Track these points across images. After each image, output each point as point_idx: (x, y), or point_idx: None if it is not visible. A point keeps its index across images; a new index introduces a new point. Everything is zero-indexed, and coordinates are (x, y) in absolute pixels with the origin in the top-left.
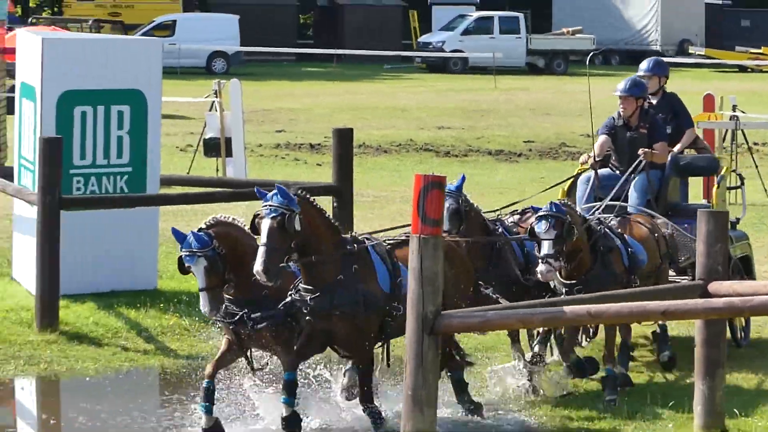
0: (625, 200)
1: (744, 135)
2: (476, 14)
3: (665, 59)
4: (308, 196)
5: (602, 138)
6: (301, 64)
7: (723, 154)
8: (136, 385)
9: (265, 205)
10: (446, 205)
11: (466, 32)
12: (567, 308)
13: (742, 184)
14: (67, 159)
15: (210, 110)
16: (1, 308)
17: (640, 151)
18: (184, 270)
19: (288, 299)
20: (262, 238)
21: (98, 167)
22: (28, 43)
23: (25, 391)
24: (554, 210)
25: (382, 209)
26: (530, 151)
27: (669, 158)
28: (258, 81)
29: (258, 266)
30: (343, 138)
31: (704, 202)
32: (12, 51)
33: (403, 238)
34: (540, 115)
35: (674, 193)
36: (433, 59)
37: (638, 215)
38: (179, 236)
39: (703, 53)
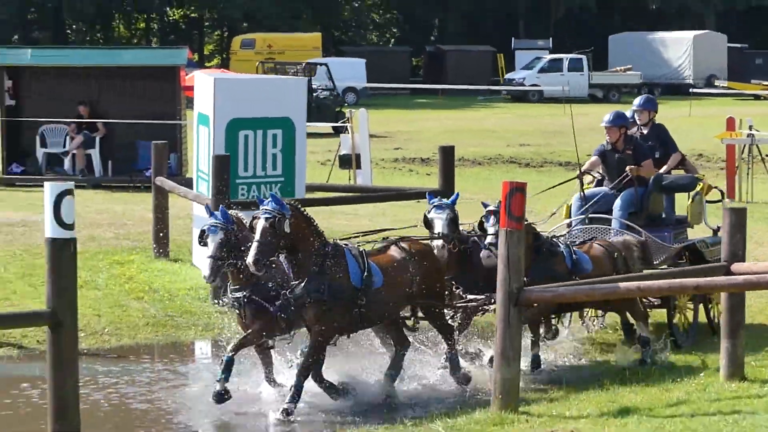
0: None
1: (758, 148)
2: (549, 57)
3: (695, 90)
4: (299, 205)
5: (594, 158)
6: (413, 97)
7: (702, 174)
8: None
9: (262, 209)
10: (444, 215)
11: (542, 70)
12: (621, 284)
13: (723, 198)
14: (234, 171)
15: (344, 132)
16: (183, 287)
17: (628, 168)
18: (203, 241)
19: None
20: (256, 235)
21: (257, 178)
22: (204, 82)
23: (202, 351)
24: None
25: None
26: None
27: (653, 177)
28: (380, 110)
29: (249, 258)
30: (447, 153)
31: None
32: (191, 88)
33: (383, 244)
34: (599, 134)
35: (658, 206)
36: (515, 92)
37: (602, 240)
38: (210, 211)
39: (726, 85)
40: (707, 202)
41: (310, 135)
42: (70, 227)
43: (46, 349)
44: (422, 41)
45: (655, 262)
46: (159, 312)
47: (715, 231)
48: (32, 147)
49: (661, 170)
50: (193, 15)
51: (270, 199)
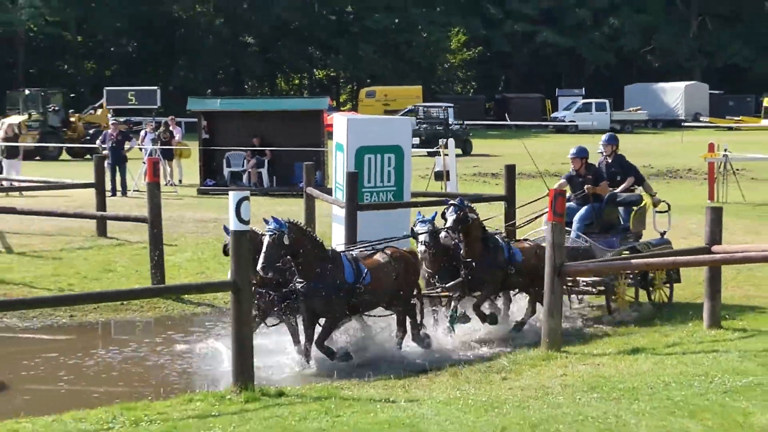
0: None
1: (731, 165)
2: (582, 101)
3: (685, 123)
4: (297, 222)
5: (562, 181)
6: (487, 131)
7: (656, 192)
8: None
9: (266, 228)
10: (426, 228)
11: (577, 110)
12: (633, 261)
13: (669, 209)
14: (360, 183)
15: (438, 155)
16: None
17: (585, 186)
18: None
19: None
20: (263, 249)
21: (377, 188)
22: (340, 121)
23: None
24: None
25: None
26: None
27: (608, 194)
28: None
29: (259, 265)
30: (510, 170)
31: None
32: (330, 125)
33: (371, 251)
34: (631, 154)
35: (613, 217)
36: (558, 126)
37: (531, 241)
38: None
39: (708, 120)
40: (657, 212)
41: (414, 154)
42: (246, 222)
43: (230, 307)
44: (492, 91)
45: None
46: None
47: (662, 234)
48: (220, 167)
49: (618, 189)
50: (332, 74)
51: (272, 220)
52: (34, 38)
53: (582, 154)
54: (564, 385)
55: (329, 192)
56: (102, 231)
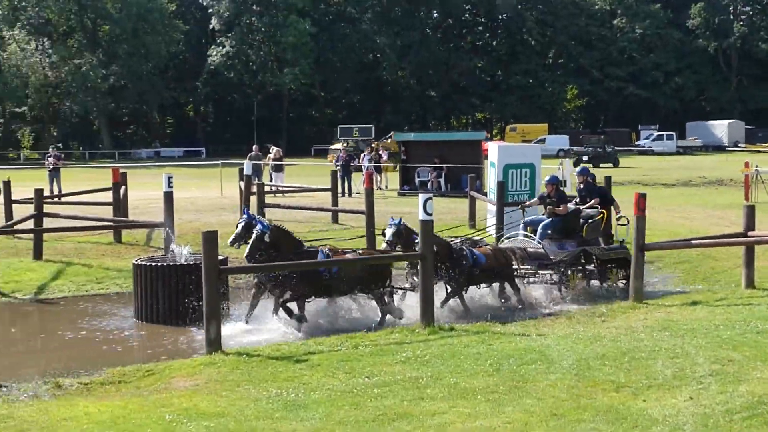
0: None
1: (761, 176)
2: (657, 133)
3: (729, 148)
4: (277, 224)
5: (535, 199)
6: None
7: (620, 210)
8: None
9: (256, 228)
10: (392, 230)
11: (653, 140)
12: (700, 241)
13: (628, 222)
14: (506, 189)
15: (558, 169)
16: None
17: (547, 208)
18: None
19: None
20: (250, 243)
21: (517, 192)
22: (493, 147)
23: None
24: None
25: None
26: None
27: (571, 210)
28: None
29: (245, 255)
30: (608, 180)
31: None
32: (486, 150)
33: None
34: (690, 169)
35: (576, 227)
36: (641, 150)
37: (491, 245)
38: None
39: (744, 146)
40: (619, 225)
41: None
42: (430, 215)
43: (419, 270)
44: (595, 127)
45: (554, 259)
46: None
47: (621, 242)
48: (413, 178)
49: (583, 206)
50: (487, 116)
51: (259, 222)
52: (293, 94)
53: (553, 181)
54: (645, 326)
55: (485, 194)
56: (335, 220)
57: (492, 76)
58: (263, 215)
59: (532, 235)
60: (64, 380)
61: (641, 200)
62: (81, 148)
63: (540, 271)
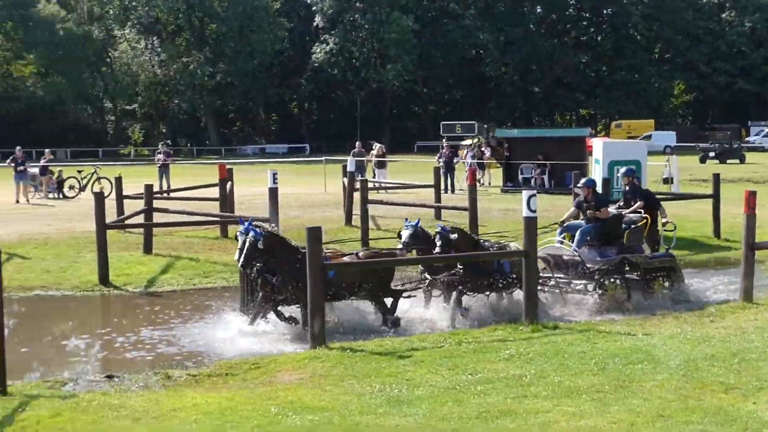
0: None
1: None
2: (767, 130)
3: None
4: (270, 230)
5: (573, 209)
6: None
7: (660, 215)
8: None
9: (250, 234)
10: (409, 232)
11: (764, 136)
12: None
13: (674, 228)
14: (611, 185)
15: (665, 166)
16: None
17: (588, 212)
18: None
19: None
20: (244, 249)
21: (623, 189)
22: (597, 144)
23: None
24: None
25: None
26: None
27: (613, 214)
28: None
29: (240, 264)
30: (716, 177)
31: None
32: (590, 146)
33: (348, 253)
34: None
35: (618, 233)
36: (750, 147)
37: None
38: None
39: None
40: (665, 231)
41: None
42: (534, 212)
43: (524, 268)
44: (702, 123)
45: (592, 267)
46: None
47: (667, 249)
48: (516, 174)
49: (626, 211)
50: (592, 112)
51: (252, 230)
52: (396, 90)
53: (589, 184)
54: (755, 327)
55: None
56: (438, 216)
57: (596, 72)
58: (366, 212)
59: (570, 243)
60: (174, 371)
61: (751, 198)
62: (189, 144)
63: (575, 281)
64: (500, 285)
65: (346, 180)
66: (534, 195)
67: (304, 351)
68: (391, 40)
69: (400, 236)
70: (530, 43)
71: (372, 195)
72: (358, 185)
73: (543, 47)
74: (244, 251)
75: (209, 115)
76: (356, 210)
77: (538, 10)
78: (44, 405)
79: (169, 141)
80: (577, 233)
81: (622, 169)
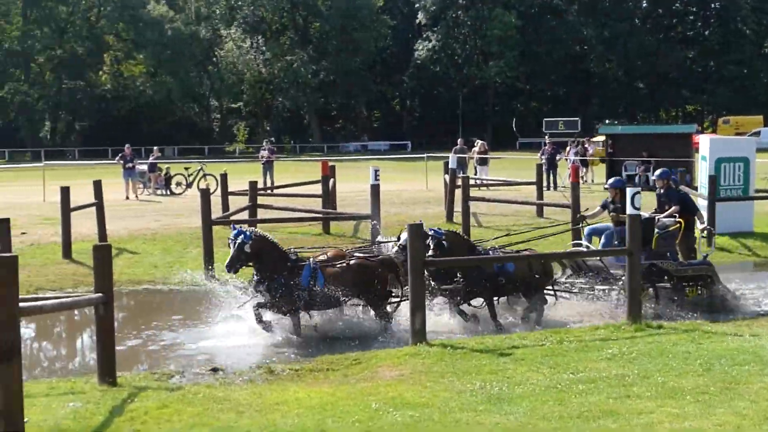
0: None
1: None
2: None
3: None
4: (259, 233)
5: (598, 209)
6: None
7: (697, 219)
8: None
9: (239, 238)
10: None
11: None
12: None
13: (713, 235)
14: (718, 183)
15: None
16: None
17: (612, 215)
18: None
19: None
20: (232, 252)
21: (730, 186)
22: (704, 140)
23: None
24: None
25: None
26: None
27: (645, 218)
28: None
29: (226, 264)
30: None
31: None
32: (697, 143)
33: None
34: None
35: (649, 237)
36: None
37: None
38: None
39: None
40: (703, 237)
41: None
42: (638, 209)
43: (627, 266)
44: None
45: (615, 273)
46: None
47: (705, 256)
48: (620, 171)
49: (661, 215)
50: (698, 108)
51: (241, 232)
52: (499, 86)
53: (617, 185)
54: None
55: (695, 189)
56: (540, 213)
57: (703, 67)
58: (468, 209)
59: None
60: (276, 366)
61: None
62: (292, 141)
63: (596, 286)
64: (508, 288)
65: (447, 177)
66: (638, 192)
67: (405, 347)
68: (493, 36)
69: (398, 238)
70: (635, 39)
71: (473, 192)
72: (459, 182)
73: (648, 42)
74: (231, 252)
75: (312, 113)
76: (457, 207)
77: (644, 5)
78: (152, 396)
79: (273, 138)
80: (603, 236)
81: (658, 171)
